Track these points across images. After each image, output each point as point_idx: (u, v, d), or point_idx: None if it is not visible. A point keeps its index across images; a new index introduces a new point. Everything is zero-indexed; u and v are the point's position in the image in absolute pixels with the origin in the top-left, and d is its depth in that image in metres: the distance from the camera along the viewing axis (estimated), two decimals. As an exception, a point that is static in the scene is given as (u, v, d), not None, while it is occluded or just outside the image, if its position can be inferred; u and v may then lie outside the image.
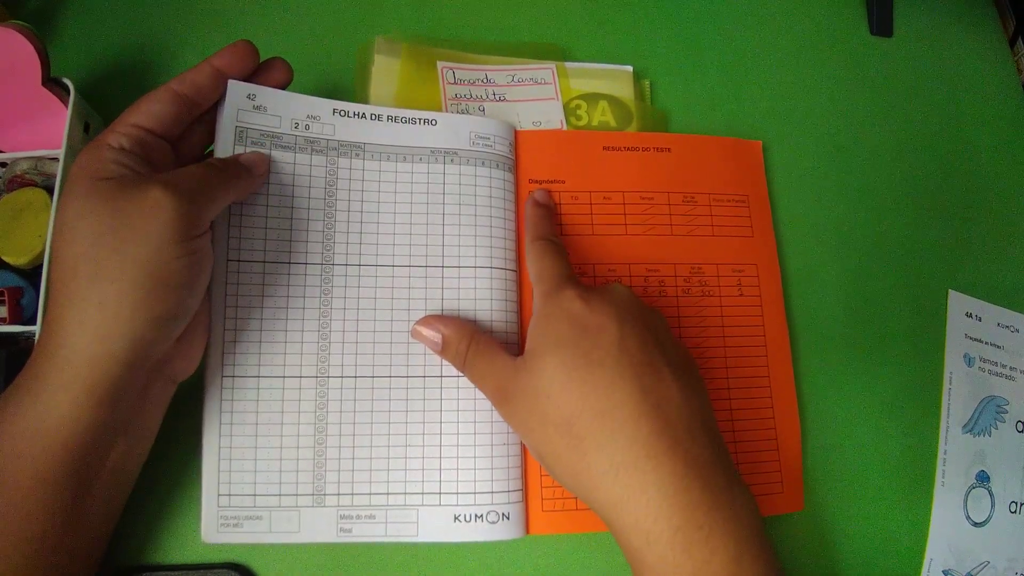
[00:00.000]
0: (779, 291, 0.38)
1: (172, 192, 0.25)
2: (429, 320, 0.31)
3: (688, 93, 0.43)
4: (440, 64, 0.39)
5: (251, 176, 0.30)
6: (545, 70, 0.41)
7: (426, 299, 0.33)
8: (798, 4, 0.47)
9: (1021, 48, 0.48)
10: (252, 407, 0.30)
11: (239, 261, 0.31)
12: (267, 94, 0.32)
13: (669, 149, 0.38)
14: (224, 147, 0.31)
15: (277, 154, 0.32)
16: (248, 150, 0.31)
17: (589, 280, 0.36)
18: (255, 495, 0.30)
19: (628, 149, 0.38)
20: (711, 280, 0.37)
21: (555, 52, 0.42)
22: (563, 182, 0.37)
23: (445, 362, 0.32)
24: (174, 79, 0.29)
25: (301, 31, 0.41)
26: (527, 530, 0.32)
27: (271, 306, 0.31)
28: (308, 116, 0.32)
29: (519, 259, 0.35)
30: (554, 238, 0.33)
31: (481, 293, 0.33)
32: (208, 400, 0.30)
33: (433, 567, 0.33)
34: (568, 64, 0.41)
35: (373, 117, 0.34)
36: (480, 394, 0.31)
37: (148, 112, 0.28)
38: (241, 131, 0.31)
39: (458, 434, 0.31)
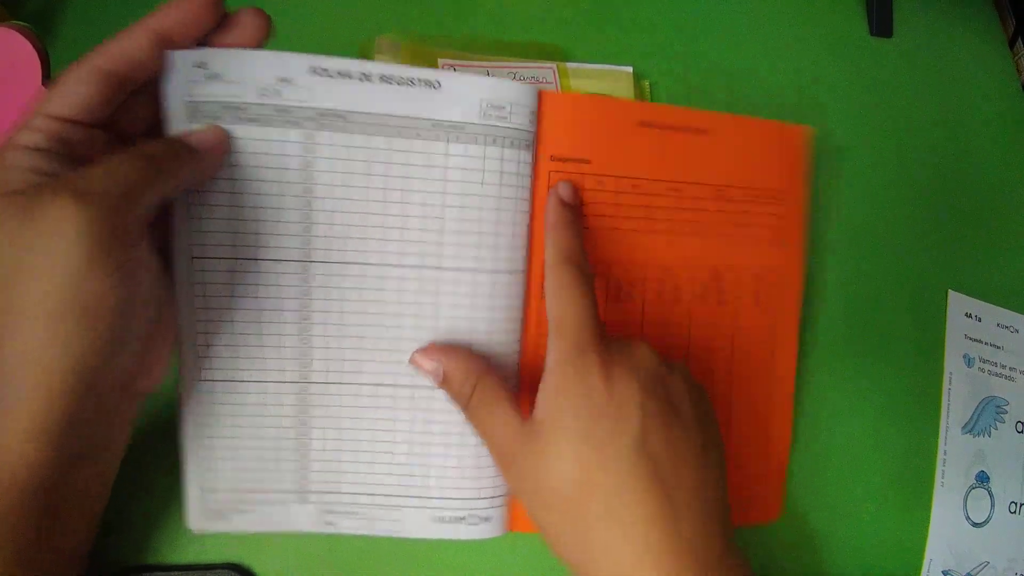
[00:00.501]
0: (797, 302, 0.35)
1: (82, 202, 0.21)
2: (432, 350, 0.28)
3: (688, 93, 0.43)
4: (441, 62, 0.39)
5: (200, 159, 0.25)
6: (546, 69, 0.41)
7: (418, 303, 0.29)
8: (798, 4, 0.47)
9: (1021, 48, 0.48)
10: (230, 411, 0.29)
11: (204, 259, 0.27)
12: (222, 57, 0.26)
13: (706, 131, 0.32)
14: (175, 127, 0.26)
15: (242, 130, 0.26)
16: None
17: (601, 282, 0.32)
18: (238, 491, 0.29)
19: (665, 128, 0.32)
20: (729, 287, 0.33)
21: (555, 52, 0.42)
22: (588, 162, 0.31)
23: None
24: (99, 49, 0.23)
25: (300, 32, 0.41)
26: (508, 528, 0.31)
27: (244, 308, 0.28)
28: (278, 79, 0.26)
29: (530, 258, 0.31)
30: (583, 263, 0.28)
31: (481, 301, 0.29)
32: (184, 406, 0.28)
33: (435, 567, 0.33)
34: (569, 64, 0.41)
35: (361, 76, 0.27)
36: None
37: (68, 98, 0.23)
38: (195, 106, 0.26)
39: (446, 444, 0.30)
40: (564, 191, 0.30)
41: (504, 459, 0.27)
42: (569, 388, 0.25)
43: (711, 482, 0.25)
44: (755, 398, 0.35)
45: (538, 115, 0.30)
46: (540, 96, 0.30)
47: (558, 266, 0.28)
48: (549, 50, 0.42)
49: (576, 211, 0.30)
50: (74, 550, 0.26)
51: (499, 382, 0.27)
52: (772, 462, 0.35)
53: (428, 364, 0.28)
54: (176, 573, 0.31)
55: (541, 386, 0.26)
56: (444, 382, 0.28)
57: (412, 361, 0.28)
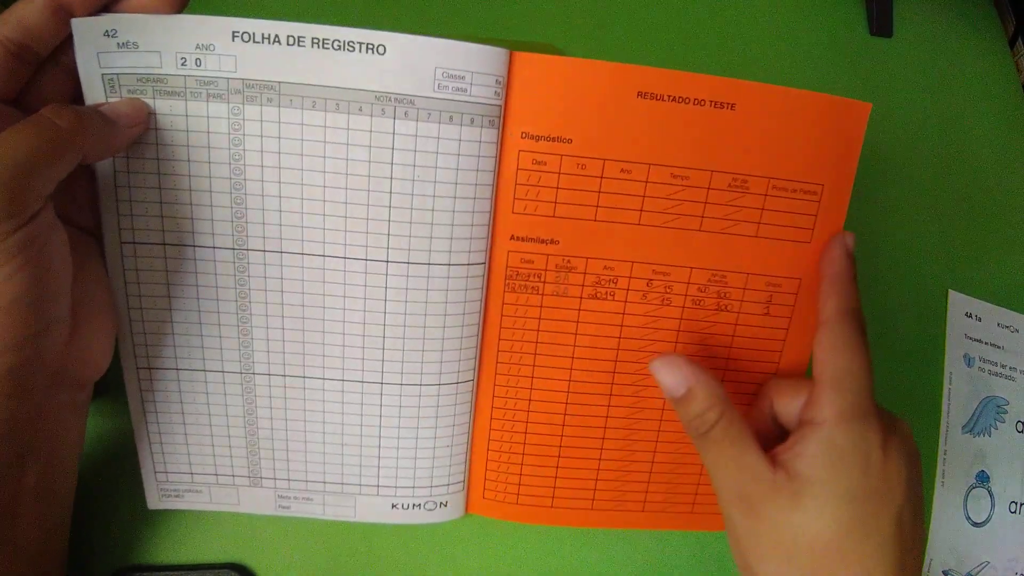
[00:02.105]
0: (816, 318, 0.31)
1: None
2: (676, 363, 0.26)
3: (688, 93, 0.43)
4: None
5: (115, 130, 0.23)
6: (545, 70, 0.40)
7: (366, 298, 0.27)
8: (798, 4, 0.47)
9: (1021, 48, 0.48)
10: (176, 398, 0.28)
11: (134, 243, 0.26)
12: (133, 24, 0.24)
13: (733, 105, 0.28)
14: (94, 102, 0.25)
15: (163, 104, 0.25)
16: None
17: (576, 278, 0.29)
18: (192, 474, 0.30)
19: (674, 99, 0.27)
20: (734, 293, 0.30)
21: (554, 52, 0.42)
22: (569, 141, 0.27)
23: (387, 368, 0.28)
24: None
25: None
26: (467, 511, 0.32)
27: (179, 295, 0.27)
28: (198, 46, 0.24)
29: (491, 248, 0.28)
30: (864, 319, 0.27)
31: (435, 295, 0.27)
32: (129, 392, 0.28)
33: (436, 567, 0.33)
34: (568, 64, 0.41)
35: (291, 40, 0.24)
36: (428, 397, 0.29)
37: None
38: (111, 79, 0.24)
39: (398, 438, 0.30)
40: (851, 242, 0.29)
41: (745, 508, 0.25)
42: (848, 450, 0.25)
43: (921, 553, 0.26)
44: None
45: (508, 82, 0.26)
46: (512, 59, 0.26)
47: (842, 319, 0.27)
48: (547, 50, 0.42)
49: (855, 264, 0.29)
50: (41, 551, 0.25)
51: (742, 417, 0.26)
52: None
53: (670, 378, 0.26)
54: (176, 573, 0.31)
55: (812, 437, 0.25)
56: (682, 401, 0.26)
57: (651, 367, 0.27)
